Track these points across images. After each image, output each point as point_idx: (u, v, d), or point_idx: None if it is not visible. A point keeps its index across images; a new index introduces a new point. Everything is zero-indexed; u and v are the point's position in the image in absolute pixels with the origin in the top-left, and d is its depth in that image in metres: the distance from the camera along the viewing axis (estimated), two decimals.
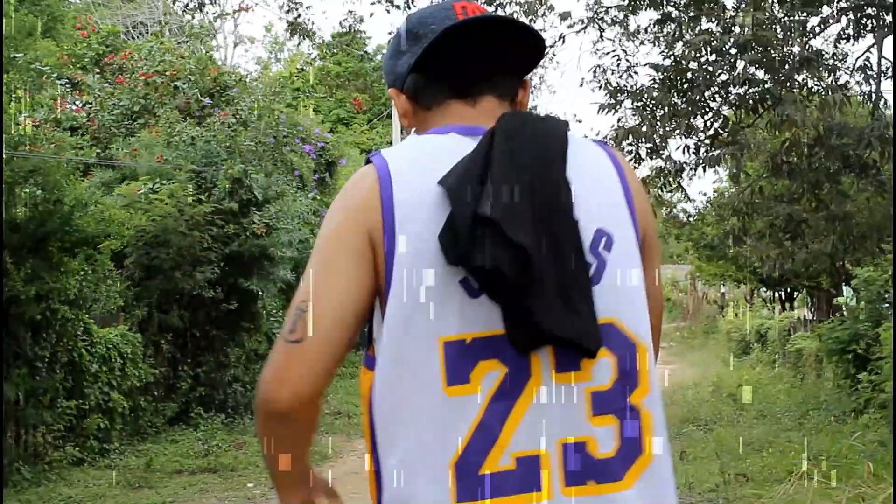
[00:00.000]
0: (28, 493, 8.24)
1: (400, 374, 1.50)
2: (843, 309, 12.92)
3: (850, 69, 8.62)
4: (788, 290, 20.26)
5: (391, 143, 21.91)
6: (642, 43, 9.62)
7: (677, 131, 8.74)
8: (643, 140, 8.73)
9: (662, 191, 9.67)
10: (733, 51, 8.21)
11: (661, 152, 8.88)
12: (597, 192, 1.58)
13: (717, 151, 8.76)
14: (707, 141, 8.85)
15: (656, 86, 8.65)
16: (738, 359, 19.23)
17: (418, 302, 1.49)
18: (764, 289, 21.61)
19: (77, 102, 13.59)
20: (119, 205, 10.29)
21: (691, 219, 18.29)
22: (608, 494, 1.51)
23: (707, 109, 8.81)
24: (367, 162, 1.62)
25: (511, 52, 1.69)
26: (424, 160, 1.57)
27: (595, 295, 1.51)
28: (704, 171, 8.69)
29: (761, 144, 9.04)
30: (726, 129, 8.75)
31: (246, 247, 11.60)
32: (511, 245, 1.43)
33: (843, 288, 13.79)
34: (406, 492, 1.50)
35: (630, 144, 8.89)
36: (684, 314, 32.96)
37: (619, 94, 8.94)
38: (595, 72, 9.59)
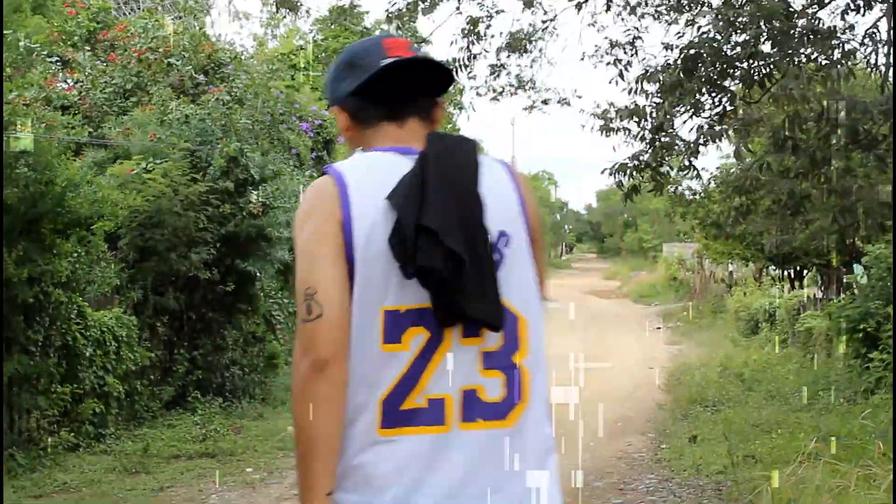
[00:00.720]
0: (22, 479, 8.15)
1: (354, 332, 1.98)
2: (854, 287, 12.71)
3: (859, 40, 8.37)
4: (798, 268, 20.06)
5: None
6: (643, 17, 9.38)
7: (684, 109, 8.54)
8: (647, 118, 8.53)
9: (671, 168, 9.47)
10: (741, 23, 7.99)
11: (667, 131, 8.67)
12: (500, 202, 2.08)
13: (721, 127, 8.55)
14: (715, 118, 8.63)
15: (670, 67, 8.43)
16: (747, 338, 19.06)
17: (369, 280, 1.98)
18: (772, 267, 21.41)
19: (68, 80, 13.43)
20: (112, 185, 10.10)
21: (697, 196, 18.03)
22: (492, 430, 2.02)
23: (713, 86, 8.59)
24: (324, 173, 2.10)
25: (429, 82, 2.19)
26: (372, 173, 2.05)
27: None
28: (706, 145, 8.47)
29: (765, 119, 8.82)
30: (734, 105, 8.54)
31: (242, 227, 11.41)
32: (444, 249, 1.92)
33: (854, 265, 13.57)
34: (351, 415, 1.99)
35: (634, 123, 8.69)
36: (691, 293, 32.77)
37: (641, 81, 8.71)
38: (599, 49, 9.39)
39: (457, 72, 9.70)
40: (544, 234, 2.25)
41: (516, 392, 2.04)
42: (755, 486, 7.13)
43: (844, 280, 14.95)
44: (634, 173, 8.51)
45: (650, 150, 8.51)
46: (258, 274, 11.97)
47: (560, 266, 70.01)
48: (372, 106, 2.15)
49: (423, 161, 2.01)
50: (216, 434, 9.97)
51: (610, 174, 8.42)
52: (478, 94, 11.60)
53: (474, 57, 9.61)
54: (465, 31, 9.43)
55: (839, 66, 7.57)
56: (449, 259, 1.93)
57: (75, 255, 9.05)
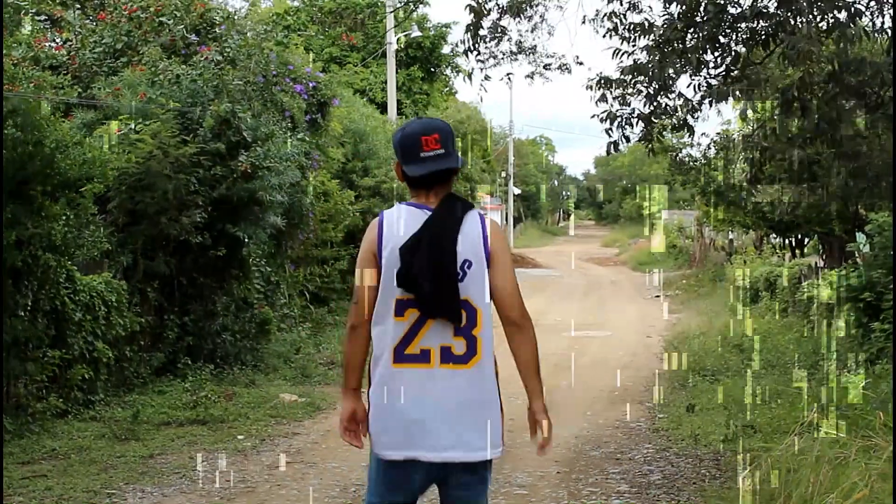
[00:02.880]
0: (11, 445, 8.04)
1: (378, 311, 3.57)
2: (856, 255, 12.54)
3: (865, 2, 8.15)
4: (799, 236, 19.92)
5: (385, 82, 21.55)
6: None
7: (687, 68, 8.33)
8: (652, 79, 8.32)
9: (664, 133, 9.27)
10: None
11: (670, 91, 8.48)
12: (469, 239, 3.54)
13: (726, 86, 8.35)
14: (719, 78, 8.42)
15: (667, 22, 8.20)
16: (747, 307, 18.92)
17: (389, 282, 3.54)
18: (774, 235, 21.27)
19: (57, 40, 13.21)
20: (102, 146, 9.87)
21: (697, 163, 17.81)
22: (458, 370, 3.52)
23: (717, 45, 8.38)
24: (377, 215, 3.70)
25: (450, 170, 3.67)
26: (399, 220, 3.57)
27: (461, 288, 3.52)
28: (711, 105, 8.27)
29: (772, 80, 8.60)
30: (737, 66, 8.33)
31: (234, 190, 11.19)
32: (420, 283, 3.50)
33: (857, 234, 13.41)
34: (377, 357, 3.59)
35: (638, 83, 8.48)
36: (691, 261, 32.66)
37: (633, 33, 8.47)
38: (599, 14, 9.14)
39: (466, 53, 9.49)
40: (506, 252, 3.65)
41: (474, 349, 3.54)
42: (754, 457, 7.01)
43: (847, 248, 14.77)
44: (625, 125, 8.33)
45: (646, 104, 8.32)
46: (247, 239, 11.76)
47: (557, 233, 69.84)
48: (413, 182, 3.63)
49: (424, 227, 3.52)
50: (207, 401, 9.84)
51: (599, 120, 8.24)
52: (486, 77, 11.28)
53: (482, 39, 9.39)
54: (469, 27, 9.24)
55: (849, 28, 7.37)
56: (423, 288, 3.48)
57: (64, 218, 8.85)
